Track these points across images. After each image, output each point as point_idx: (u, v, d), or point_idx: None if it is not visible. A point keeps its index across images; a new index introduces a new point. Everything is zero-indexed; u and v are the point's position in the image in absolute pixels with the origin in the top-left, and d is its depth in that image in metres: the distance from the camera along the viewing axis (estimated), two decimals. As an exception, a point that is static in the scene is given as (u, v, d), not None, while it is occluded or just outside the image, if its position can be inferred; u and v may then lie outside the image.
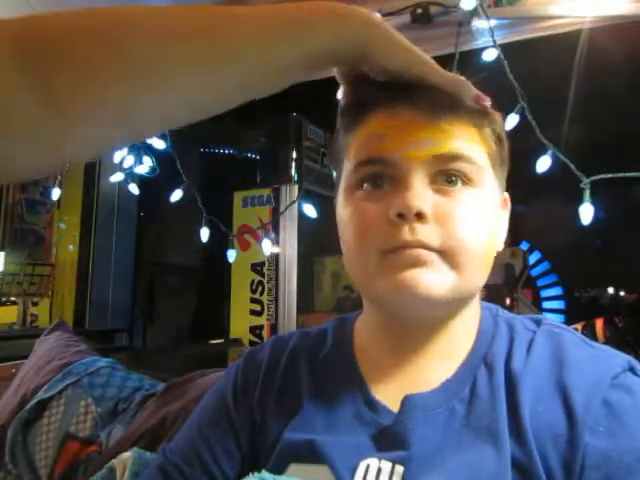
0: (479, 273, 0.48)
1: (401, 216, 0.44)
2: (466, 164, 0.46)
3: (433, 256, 0.44)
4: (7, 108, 0.30)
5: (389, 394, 0.50)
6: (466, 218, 0.45)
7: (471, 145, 0.46)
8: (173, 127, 0.38)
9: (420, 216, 0.44)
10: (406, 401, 0.48)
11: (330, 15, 0.38)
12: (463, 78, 0.46)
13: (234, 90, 0.37)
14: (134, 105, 0.34)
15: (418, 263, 0.44)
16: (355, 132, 0.49)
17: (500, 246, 0.52)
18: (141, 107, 0.34)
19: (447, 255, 0.45)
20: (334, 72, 0.47)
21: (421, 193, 0.44)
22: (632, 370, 0.46)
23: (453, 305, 0.48)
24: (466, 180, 0.46)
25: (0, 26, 0.31)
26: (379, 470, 0.45)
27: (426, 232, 0.44)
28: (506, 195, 0.54)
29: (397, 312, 0.50)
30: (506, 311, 0.55)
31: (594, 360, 0.47)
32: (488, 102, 0.47)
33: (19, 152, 0.33)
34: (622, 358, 0.47)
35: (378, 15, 1.28)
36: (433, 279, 0.44)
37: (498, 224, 0.51)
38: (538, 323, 0.52)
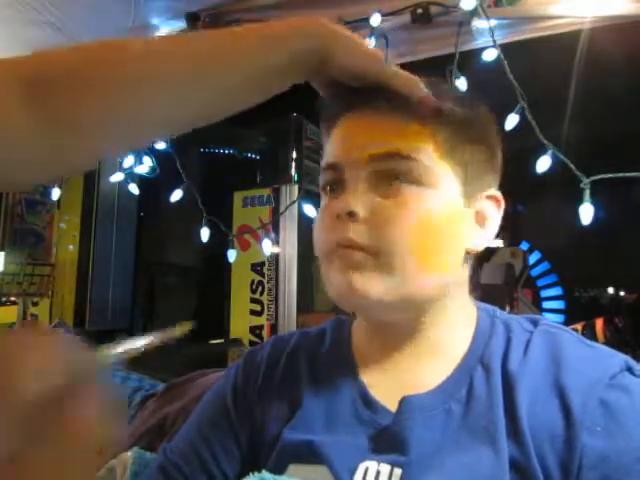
0: (426, 275, 0.46)
1: (339, 217, 0.46)
2: (407, 162, 0.46)
3: (365, 258, 0.45)
4: (14, 137, 0.34)
5: (387, 394, 0.50)
6: (404, 218, 0.45)
7: (416, 144, 0.46)
8: (174, 135, 0.44)
9: (352, 215, 0.45)
10: (404, 402, 0.48)
11: (302, 28, 0.43)
12: (416, 78, 0.46)
13: (231, 102, 0.42)
14: (136, 128, 0.38)
15: (350, 264, 0.45)
16: (326, 139, 0.53)
17: (473, 245, 0.50)
18: (143, 130, 0.39)
19: (379, 257, 0.45)
20: (312, 83, 0.48)
21: (357, 194, 0.46)
22: (630, 370, 0.46)
23: (404, 308, 0.48)
24: (411, 179, 0.46)
25: (6, 65, 0.35)
26: (378, 473, 0.45)
27: (358, 231, 0.45)
28: (497, 193, 0.52)
29: (357, 314, 0.53)
30: (504, 312, 0.55)
31: (591, 360, 0.47)
32: (433, 104, 0.46)
33: (22, 169, 0.36)
34: (620, 358, 0.47)
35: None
36: (365, 283, 0.45)
37: (457, 222, 0.48)
38: (535, 323, 0.52)
